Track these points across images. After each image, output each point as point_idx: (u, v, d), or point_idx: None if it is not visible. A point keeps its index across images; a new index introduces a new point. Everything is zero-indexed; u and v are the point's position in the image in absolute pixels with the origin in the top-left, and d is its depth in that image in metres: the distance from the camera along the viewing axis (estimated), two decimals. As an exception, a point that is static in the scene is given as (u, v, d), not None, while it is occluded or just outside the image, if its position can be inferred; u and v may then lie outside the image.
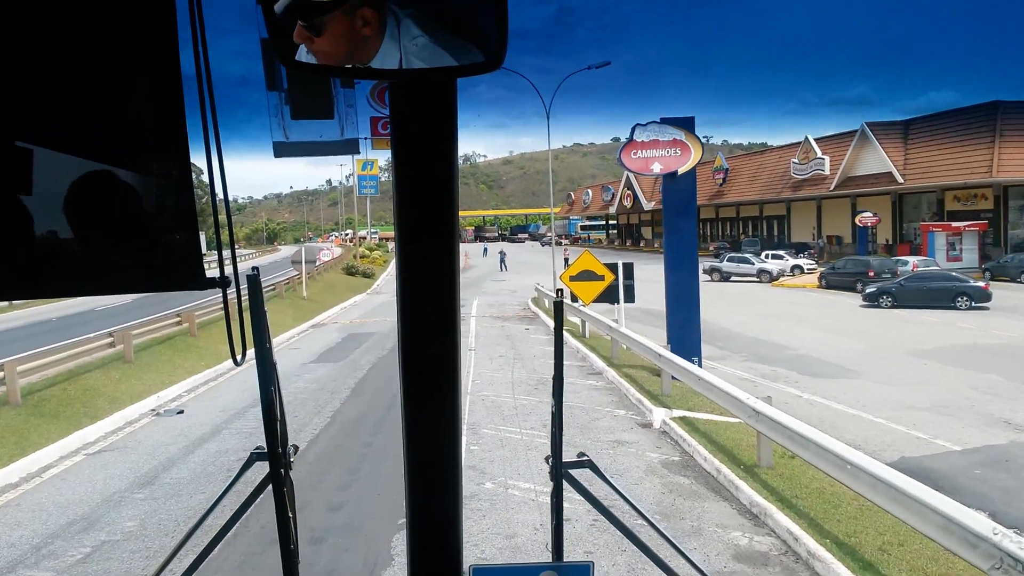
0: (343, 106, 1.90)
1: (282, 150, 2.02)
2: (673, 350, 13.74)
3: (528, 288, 37.62)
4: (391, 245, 76.98)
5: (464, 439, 10.69)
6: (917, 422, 12.43)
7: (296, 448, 1.70)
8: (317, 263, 39.08)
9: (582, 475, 1.68)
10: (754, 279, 38.47)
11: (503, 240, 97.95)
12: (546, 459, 1.73)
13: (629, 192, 68.74)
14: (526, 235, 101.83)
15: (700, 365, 13.18)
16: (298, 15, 1.09)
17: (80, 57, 1.15)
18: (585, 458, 1.74)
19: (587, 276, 20.00)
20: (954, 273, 29.18)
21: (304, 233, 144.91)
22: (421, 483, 1.47)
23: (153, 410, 13.83)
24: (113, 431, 12.43)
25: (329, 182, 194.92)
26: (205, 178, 1.33)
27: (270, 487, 1.58)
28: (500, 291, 37.62)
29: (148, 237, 1.21)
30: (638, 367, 15.95)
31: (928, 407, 13.43)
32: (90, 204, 1.18)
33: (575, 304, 21.39)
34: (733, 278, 38.98)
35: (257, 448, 1.61)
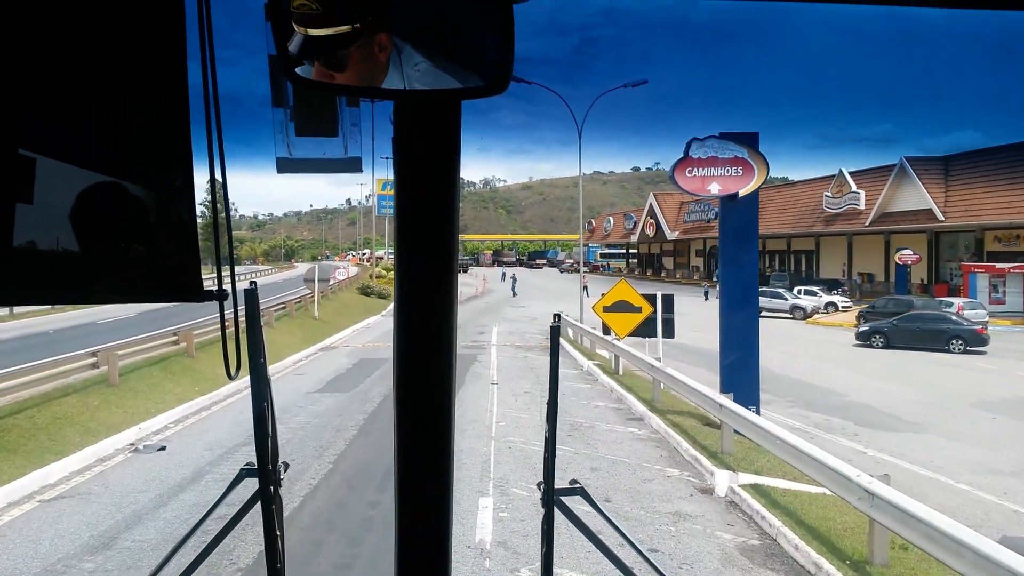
0: (348, 124, 1.76)
1: (285, 166, 1.80)
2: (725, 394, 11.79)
3: (549, 316, 35.70)
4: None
5: (491, 500, 8.85)
6: (1008, 490, 10.81)
7: (286, 465, 1.71)
8: (331, 282, 37.31)
9: (573, 503, 1.70)
10: (787, 315, 36.29)
11: (521, 265, 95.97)
12: (537, 485, 1.74)
13: (652, 221, 66.83)
14: (544, 261, 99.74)
15: (758, 414, 11.22)
16: (317, 53, 1.11)
17: (86, 67, 1.16)
18: (577, 485, 1.76)
19: (623, 307, 18.08)
20: (948, 314, 27.48)
21: (321, 251, 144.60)
22: (410, 496, 1.43)
23: (132, 444, 11.94)
24: (79, 470, 10.54)
25: (348, 201, 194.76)
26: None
27: (259, 504, 1.60)
28: (520, 318, 35.67)
29: (148, 248, 1.22)
30: (684, 413, 13.95)
31: (1014, 471, 11.74)
32: (91, 213, 1.19)
33: (608, 337, 19.44)
34: (764, 313, 36.70)
35: (247, 464, 1.62)
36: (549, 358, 1.69)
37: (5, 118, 1.13)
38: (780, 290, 38.06)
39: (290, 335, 24.76)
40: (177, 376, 16.53)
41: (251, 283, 1.47)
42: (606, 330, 19.47)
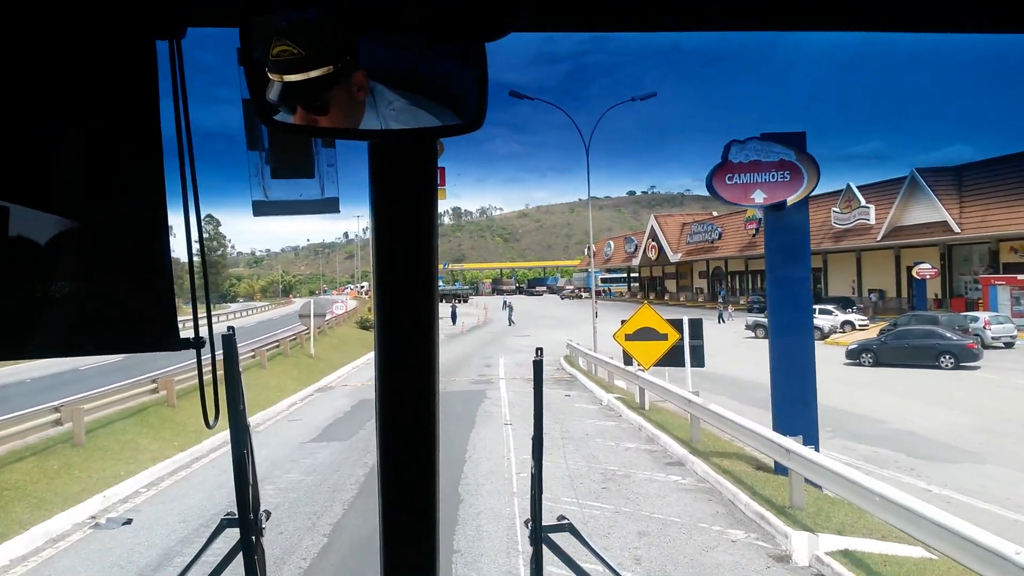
0: (324, 165, 1.72)
1: (261, 209, 1.75)
2: (779, 432, 10.03)
3: (557, 344, 33.97)
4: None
5: None
6: None
7: (268, 514, 1.66)
8: (328, 316, 35.51)
9: (561, 539, 1.69)
10: (839, 330, 34.45)
11: (520, 293, 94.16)
12: (525, 523, 1.71)
13: (654, 244, 65.24)
14: (544, 288, 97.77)
15: (817, 451, 9.48)
16: (300, 100, 1.10)
17: (58, 110, 1.13)
18: (565, 521, 1.75)
19: (647, 335, 16.36)
20: (937, 329, 26.11)
21: (319, 286, 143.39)
22: (396, 528, 1.40)
23: (92, 517, 10.10)
24: (22, 557, 8.70)
25: (346, 235, 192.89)
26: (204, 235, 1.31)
27: (240, 556, 1.55)
28: (526, 348, 33.87)
29: (121, 296, 1.18)
30: (731, 456, 12.14)
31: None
32: (62, 262, 1.16)
33: (631, 368, 17.68)
34: (780, 335, 35.06)
35: (228, 514, 1.57)
36: (533, 392, 1.70)
37: None
38: (830, 307, 36.19)
39: (284, 376, 22.93)
40: (155, 429, 14.69)
41: (228, 328, 1.50)
42: (627, 359, 17.74)
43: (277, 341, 27.07)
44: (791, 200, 10.99)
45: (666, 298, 68.57)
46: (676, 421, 14.91)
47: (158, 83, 1.13)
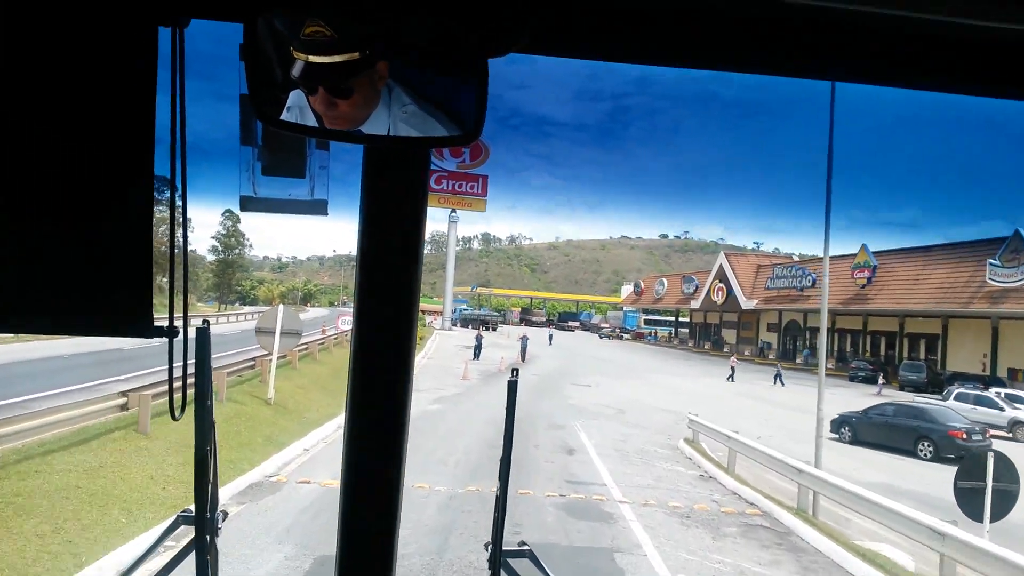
0: (316, 167, 1.67)
1: (248, 204, 1.69)
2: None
3: (642, 407, 23.04)
4: (428, 319, 63.28)
5: None
6: None
7: (225, 514, 1.59)
8: (332, 332, 24.55)
9: (520, 565, 1.72)
10: (1005, 433, 23.03)
11: (551, 325, 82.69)
12: (485, 546, 1.67)
13: (722, 285, 54.10)
14: (577, 323, 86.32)
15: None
16: (321, 79, 1.09)
17: (55, 90, 1.10)
18: (525, 547, 1.71)
19: None
20: (921, 406, 21.56)
21: (339, 297, 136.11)
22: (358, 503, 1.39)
23: None
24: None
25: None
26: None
27: (193, 554, 1.47)
28: (602, 406, 22.99)
29: (101, 281, 1.15)
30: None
31: None
32: (46, 242, 1.13)
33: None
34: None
35: (184, 510, 1.50)
36: (505, 415, 1.64)
37: None
38: (990, 396, 24.76)
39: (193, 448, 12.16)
40: (118, 475, 6.27)
41: (203, 321, 1.44)
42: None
43: (230, 365, 16.16)
44: None
45: (724, 349, 57.27)
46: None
47: (156, 68, 1.11)
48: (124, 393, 11.54)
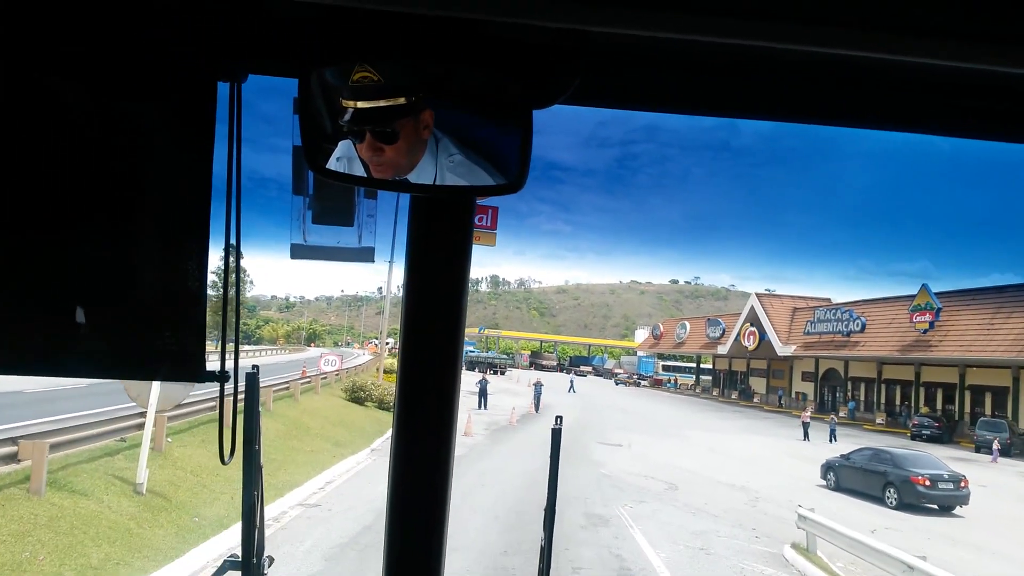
0: (364, 215, 1.72)
1: (298, 252, 1.75)
2: None
3: (698, 479, 17.72)
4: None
5: None
6: None
7: (271, 559, 1.56)
8: (305, 373, 19.17)
9: None
10: None
11: (562, 371, 77.00)
12: None
13: (754, 329, 48.62)
14: (590, 368, 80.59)
15: None
16: (368, 123, 1.09)
17: (120, 139, 1.11)
18: None
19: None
20: (897, 450, 19.87)
21: (344, 338, 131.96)
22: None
23: None
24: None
25: (380, 289, 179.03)
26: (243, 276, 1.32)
27: None
28: (644, 481, 17.60)
29: (157, 327, 1.16)
30: None
31: None
32: (103, 286, 1.14)
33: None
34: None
35: (231, 555, 1.50)
36: (549, 462, 1.61)
37: (27, 192, 1.07)
38: None
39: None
40: None
41: (253, 367, 1.45)
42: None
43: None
44: None
45: (755, 400, 51.51)
46: None
47: (214, 122, 1.12)
48: (14, 440, 9.31)
